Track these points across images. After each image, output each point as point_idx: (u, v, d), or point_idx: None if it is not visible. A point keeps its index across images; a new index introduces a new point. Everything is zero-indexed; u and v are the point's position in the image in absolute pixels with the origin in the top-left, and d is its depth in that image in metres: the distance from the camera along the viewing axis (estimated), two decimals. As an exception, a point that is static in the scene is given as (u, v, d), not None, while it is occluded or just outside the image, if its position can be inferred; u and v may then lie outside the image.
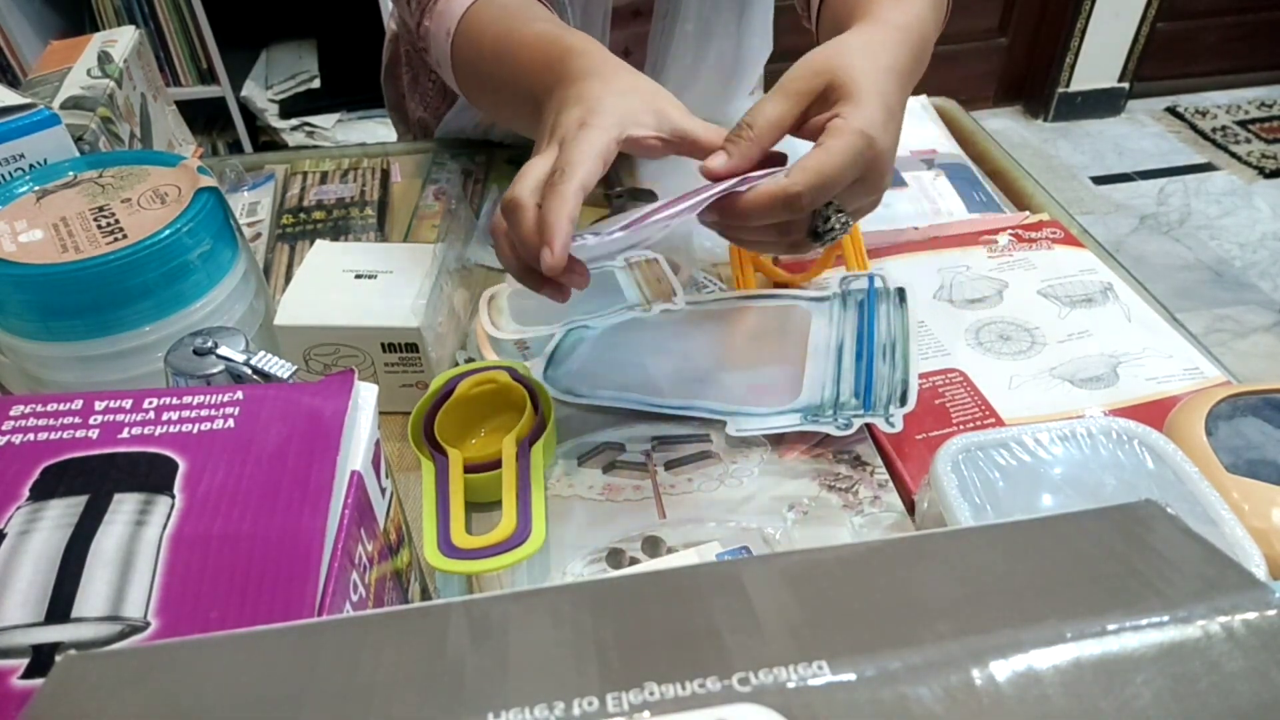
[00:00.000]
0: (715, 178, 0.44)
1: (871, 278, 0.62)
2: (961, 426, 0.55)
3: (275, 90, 2.05)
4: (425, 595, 0.45)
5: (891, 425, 0.52)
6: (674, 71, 0.78)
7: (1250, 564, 0.41)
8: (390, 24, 0.96)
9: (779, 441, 0.54)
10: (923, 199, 0.79)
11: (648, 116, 0.45)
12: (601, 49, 0.49)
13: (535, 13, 0.57)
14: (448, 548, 0.44)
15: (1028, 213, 0.76)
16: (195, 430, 0.32)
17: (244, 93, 2.03)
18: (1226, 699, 0.18)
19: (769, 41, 0.86)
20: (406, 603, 0.40)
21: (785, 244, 0.47)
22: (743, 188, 0.43)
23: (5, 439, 0.31)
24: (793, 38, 0.81)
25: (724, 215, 0.44)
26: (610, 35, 0.77)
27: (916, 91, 0.69)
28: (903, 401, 0.53)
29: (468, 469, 0.48)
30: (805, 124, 0.46)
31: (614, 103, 0.44)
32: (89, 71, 0.68)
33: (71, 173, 0.54)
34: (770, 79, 0.99)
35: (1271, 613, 0.19)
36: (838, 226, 0.45)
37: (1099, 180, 2.33)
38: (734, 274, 0.67)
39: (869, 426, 0.55)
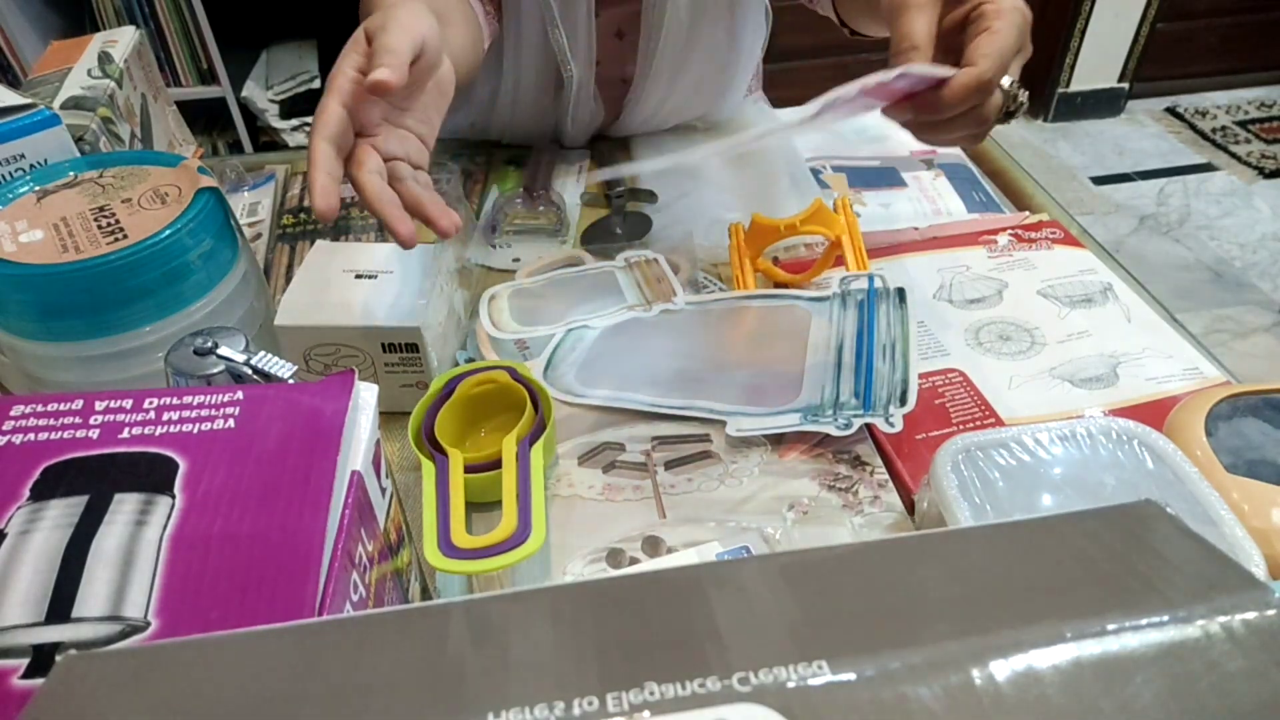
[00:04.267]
0: (895, 93, 0.47)
1: (871, 278, 0.62)
2: (961, 426, 0.55)
3: (276, 90, 2.05)
4: (425, 595, 0.45)
5: (891, 425, 0.52)
6: (667, 53, 0.78)
7: (1250, 564, 0.41)
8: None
9: (779, 441, 0.54)
10: (923, 199, 0.79)
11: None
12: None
13: None
14: (448, 548, 0.44)
15: (1028, 213, 0.76)
16: (195, 430, 0.32)
17: (244, 93, 2.03)
18: (1226, 699, 0.18)
19: (764, 26, 0.86)
20: (406, 603, 0.40)
21: (975, 128, 0.48)
22: (902, 84, 0.45)
23: (5, 439, 0.31)
24: (792, 37, 0.81)
25: (921, 110, 0.46)
26: (601, 16, 0.76)
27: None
28: (902, 401, 0.53)
29: (468, 469, 0.48)
30: (944, 20, 0.47)
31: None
32: (89, 72, 0.68)
33: (72, 173, 0.54)
34: (770, 78, 1.00)
35: (1271, 613, 0.19)
36: (1023, 99, 0.47)
37: (1099, 180, 2.33)
38: (734, 274, 0.67)
39: (869, 426, 0.55)
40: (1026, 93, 0.47)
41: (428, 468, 0.48)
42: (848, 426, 0.52)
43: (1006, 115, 0.48)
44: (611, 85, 0.83)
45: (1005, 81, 0.46)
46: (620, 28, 0.79)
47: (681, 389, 0.57)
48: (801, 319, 0.61)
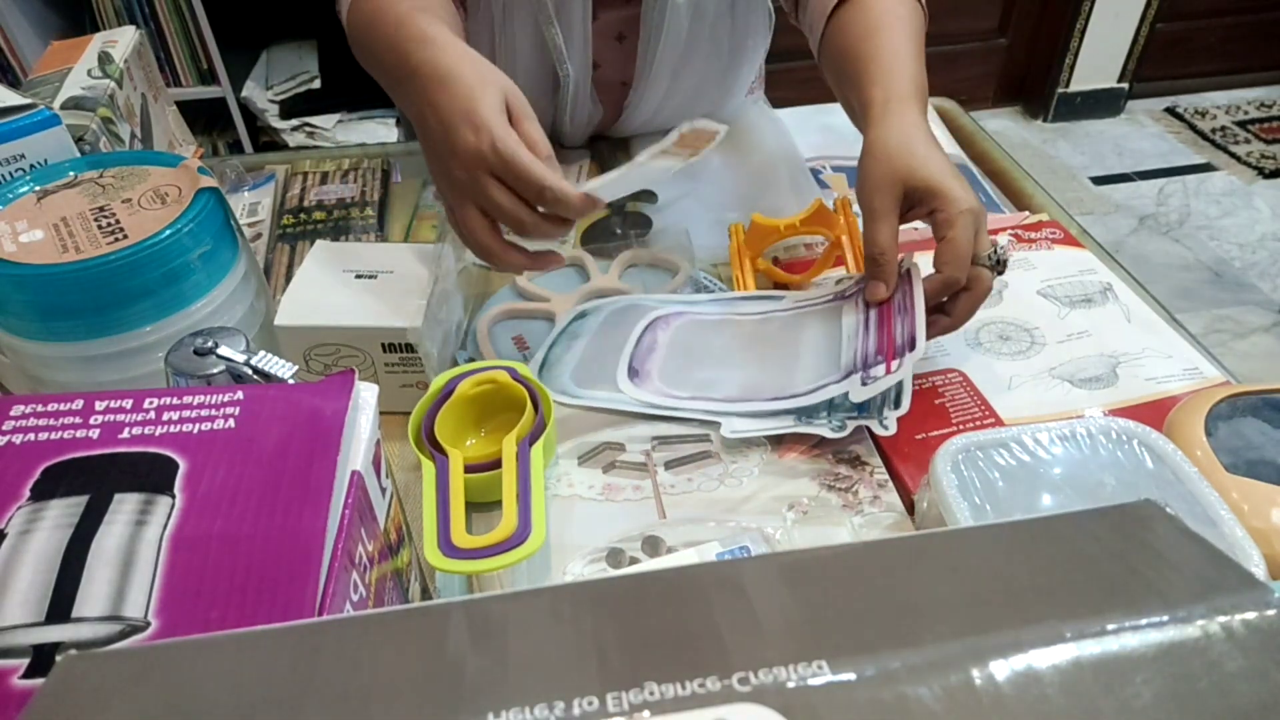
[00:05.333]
0: (884, 300, 0.56)
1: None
2: (961, 426, 0.55)
3: (276, 91, 2.05)
4: (425, 595, 0.45)
5: (885, 428, 0.52)
6: (667, 54, 0.78)
7: (1250, 564, 0.41)
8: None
9: (778, 441, 0.54)
10: (923, 199, 0.79)
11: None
12: (451, 41, 0.54)
13: (408, 6, 0.59)
14: (448, 548, 0.44)
15: (1027, 213, 0.76)
16: (196, 430, 0.32)
17: (244, 93, 2.03)
18: (1226, 699, 0.18)
19: (766, 27, 0.86)
20: (406, 603, 0.40)
21: (975, 301, 0.56)
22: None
23: (6, 439, 0.31)
24: (791, 38, 0.81)
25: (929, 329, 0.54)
26: (600, 19, 0.76)
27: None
28: (896, 404, 0.53)
29: (468, 469, 0.48)
30: (905, 220, 0.56)
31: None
32: (89, 72, 0.68)
33: (72, 173, 0.54)
34: (770, 78, 0.99)
35: (1271, 613, 0.19)
36: (1003, 256, 0.55)
37: (1098, 180, 2.33)
38: (734, 274, 0.67)
39: (868, 426, 0.55)
40: (1007, 247, 0.56)
41: (428, 468, 0.48)
42: (841, 429, 0.52)
43: (1000, 268, 0.55)
44: (612, 88, 0.83)
45: (985, 254, 0.54)
46: (621, 31, 0.79)
47: (676, 390, 0.57)
48: (797, 320, 0.61)
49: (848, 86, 0.62)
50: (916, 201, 0.54)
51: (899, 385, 0.53)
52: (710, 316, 0.63)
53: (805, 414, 0.54)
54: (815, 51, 0.69)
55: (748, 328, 0.62)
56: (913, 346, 0.51)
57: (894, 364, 0.52)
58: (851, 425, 0.52)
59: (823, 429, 0.52)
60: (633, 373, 0.58)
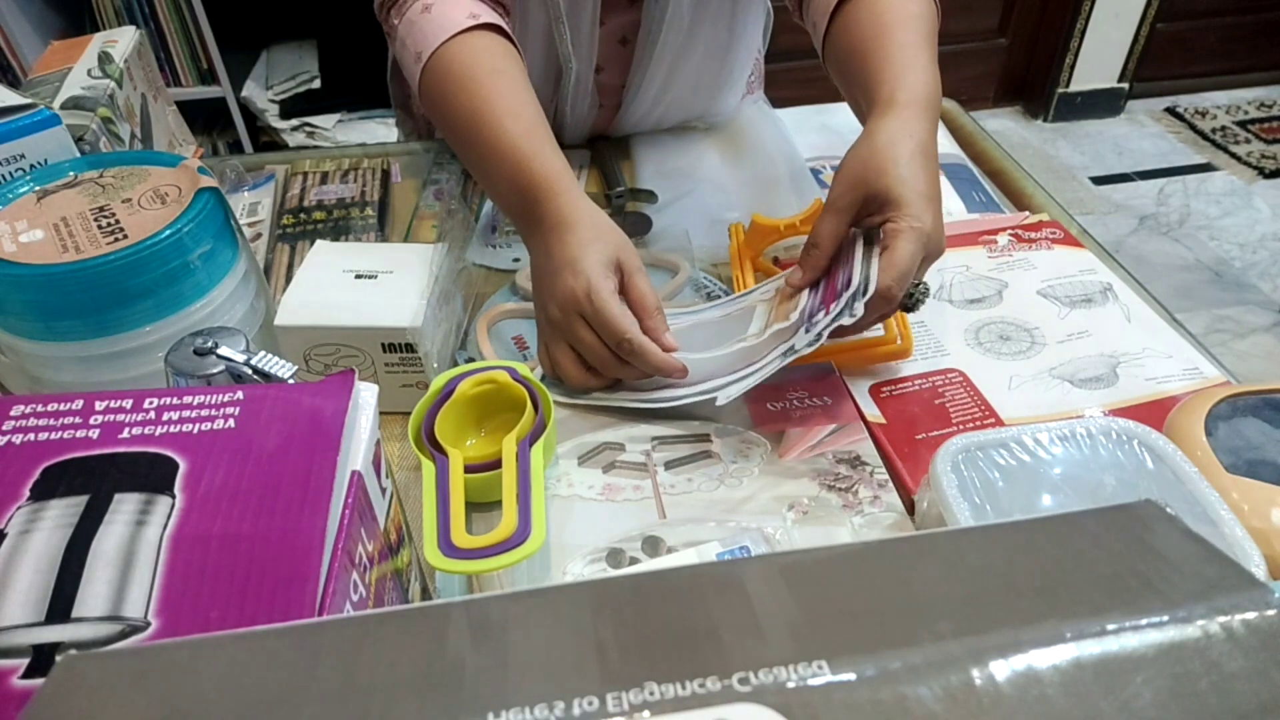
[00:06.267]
0: (799, 289, 0.56)
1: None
2: (961, 426, 0.55)
3: (275, 90, 2.05)
4: (425, 595, 0.45)
5: (853, 315, 0.50)
6: (667, 50, 0.78)
7: (1250, 564, 0.41)
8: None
9: (779, 441, 0.54)
10: (923, 199, 0.79)
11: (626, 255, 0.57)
12: (570, 188, 0.58)
13: (506, 89, 0.61)
14: (448, 548, 0.44)
15: (1027, 213, 0.76)
16: (195, 430, 0.32)
17: (244, 93, 2.03)
18: (1226, 699, 0.18)
19: (764, 27, 0.86)
20: (406, 603, 0.40)
21: (880, 319, 0.56)
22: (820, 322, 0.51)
23: (6, 439, 0.31)
24: (791, 37, 0.81)
25: (838, 333, 0.54)
26: (607, 24, 0.77)
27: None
28: (865, 292, 0.50)
29: (468, 469, 0.48)
30: (858, 224, 0.55)
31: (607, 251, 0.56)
32: (89, 72, 0.68)
33: (72, 173, 0.54)
34: (770, 78, 0.99)
35: (1271, 613, 0.19)
36: (921, 296, 0.55)
37: (1099, 180, 2.33)
38: (734, 274, 0.67)
39: (868, 426, 0.55)
40: (925, 288, 0.55)
41: (428, 468, 0.48)
42: (816, 337, 0.50)
43: (905, 308, 0.55)
44: (613, 90, 0.84)
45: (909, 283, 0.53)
46: (625, 35, 0.79)
47: (669, 382, 0.56)
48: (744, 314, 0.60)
49: (855, 88, 0.61)
50: (876, 209, 0.53)
51: (867, 279, 0.51)
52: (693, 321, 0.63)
53: (789, 352, 0.52)
54: (819, 49, 0.68)
55: (714, 324, 0.61)
56: (848, 285, 0.51)
57: (832, 305, 0.51)
58: (821, 324, 0.50)
59: (797, 338, 0.51)
60: None
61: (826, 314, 0.51)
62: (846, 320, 0.50)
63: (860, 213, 0.54)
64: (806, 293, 0.56)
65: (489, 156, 0.60)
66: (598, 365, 0.56)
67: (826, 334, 0.50)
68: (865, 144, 0.54)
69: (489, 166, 0.60)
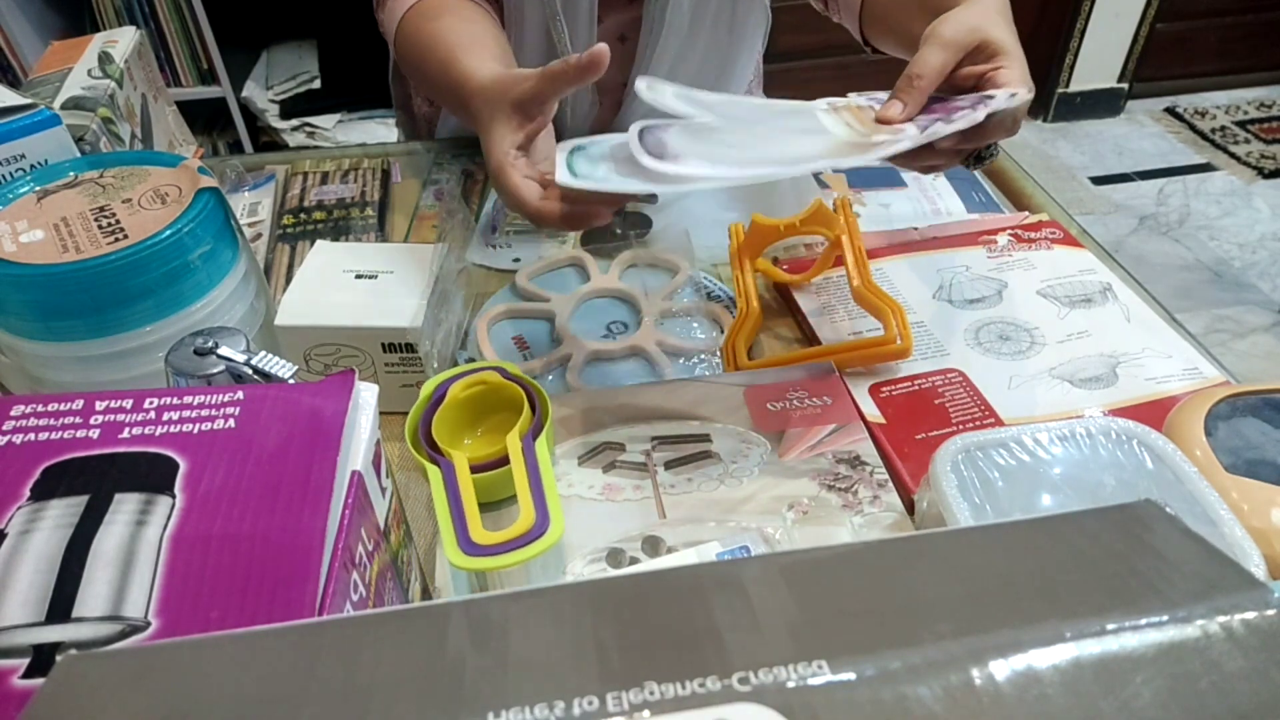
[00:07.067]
0: (894, 121, 0.51)
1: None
2: (961, 426, 0.55)
3: (276, 91, 2.05)
4: (425, 595, 0.45)
5: (1012, 100, 0.48)
6: (668, 49, 0.78)
7: (1250, 564, 0.41)
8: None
9: (779, 441, 0.54)
10: (922, 199, 0.79)
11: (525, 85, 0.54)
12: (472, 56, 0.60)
13: (450, 32, 0.65)
14: (469, 546, 0.43)
15: (1027, 213, 0.76)
16: (196, 430, 0.32)
17: (244, 93, 2.03)
18: (1226, 699, 0.18)
19: (764, 25, 0.86)
20: (406, 602, 0.40)
21: (949, 162, 0.55)
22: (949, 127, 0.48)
23: (6, 439, 0.31)
24: (792, 37, 0.81)
25: (929, 153, 0.52)
26: (605, 22, 0.77)
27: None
28: (1012, 97, 0.49)
29: (471, 469, 0.48)
30: (956, 72, 0.53)
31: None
32: (90, 72, 0.68)
33: (72, 173, 0.54)
34: (770, 78, 0.99)
35: (1271, 613, 0.19)
36: (992, 155, 0.56)
37: (1098, 180, 2.33)
38: (734, 274, 0.67)
39: (868, 426, 0.55)
40: (999, 148, 0.57)
41: (433, 472, 0.48)
42: (969, 125, 0.47)
43: (978, 160, 0.55)
44: (612, 89, 0.83)
45: (985, 145, 0.53)
46: (624, 33, 0.79)
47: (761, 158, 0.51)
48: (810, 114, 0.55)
49: (921, 17, 0.57)
50: (984, 57, 0.52)
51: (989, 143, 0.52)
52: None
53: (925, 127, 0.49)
54: (859, 33, 0.70)
55: (747, 115, 0.57)
56: (980, 101, 0.48)
57: (979, 103, 0.48)
58: (969, 118, 0.47)
59: (941, 129, 0.48)
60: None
61: (962, 113, 0.47)
62: (1002, 105, 0.48)
63: (966, 59, 0.52)
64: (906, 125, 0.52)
65: (434, 66, 0.63)
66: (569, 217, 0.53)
67: (973, 125, 0.47)
68: (970, 7, 0.53)
69: (437, 79, 0.63)
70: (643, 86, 0.52)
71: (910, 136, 0.48)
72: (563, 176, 0.49)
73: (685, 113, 0.53)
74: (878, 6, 0.68)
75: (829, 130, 0.52)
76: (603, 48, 0.49)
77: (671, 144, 0.49)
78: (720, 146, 0.51)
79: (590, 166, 0.50)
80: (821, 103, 0.56)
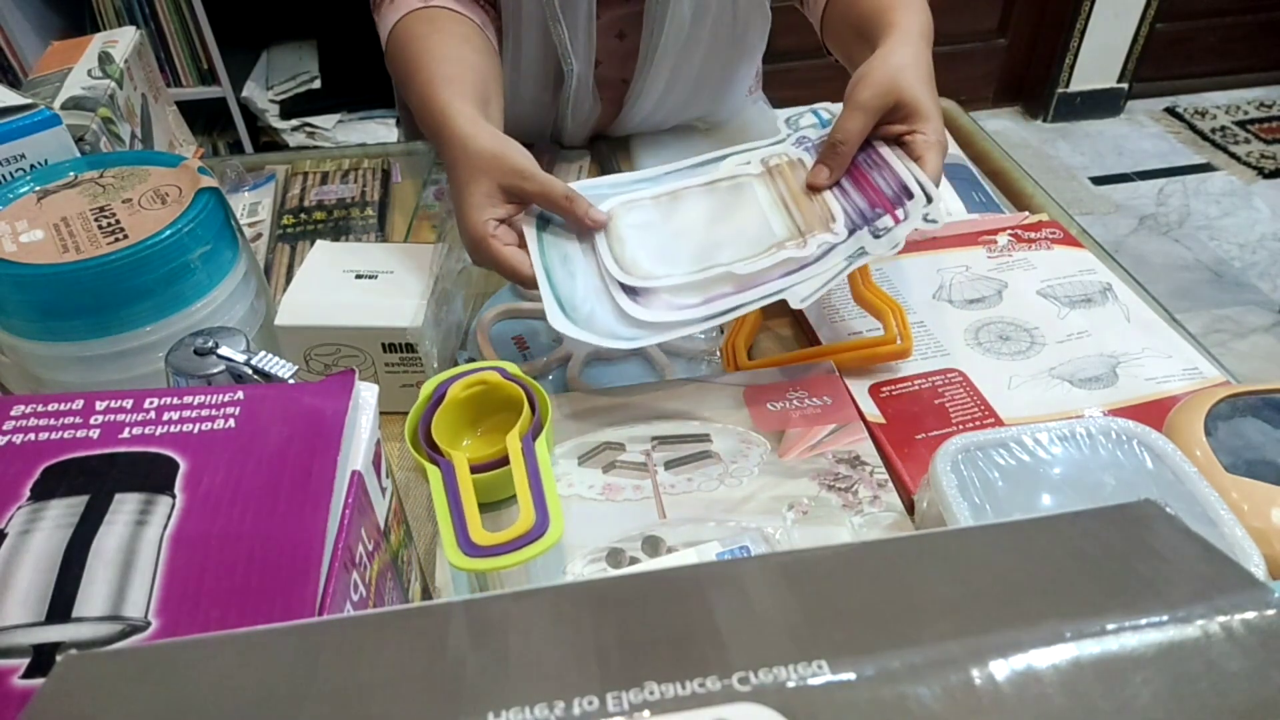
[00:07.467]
0: (823, 188, 0.57)
1: (815, 111, 0.63)
2: (961, 426, 0.55)
3: (276, 91, 2.05)
4: (425, 595, 0.45)
5: (930, 222, 0.53)
6: (669, 50, 0.78)
7: (1249, 564, 0.41)
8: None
9: (779, 441, 0.54)
10: (922, 199, 0.79)
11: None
12: (457, 116, 0.59)
13: (435, 58, 0.64)
14: (469, 547, 0.43)
15: (1027, 213, 0.76)
16: (196, 430, 0.32)
17: (244, 93, 2.03)
18: (1226, 699, 0.18)
19: (765, 25, 0.86)
20: (406, 602, 0.40)
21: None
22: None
23: (6, 439, 0.31)
24: (791, 38, 0.81)
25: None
26: (603, 18, 0.77)
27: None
28: (928, 198, 0.53)
29: (471, 470, 0.48)
30: (876, 130, 0.57)
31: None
32: (90, 72, 0.68)
33: (72, 173, 0.54)
34: (770, 78, 0.99)
35: (1271, 613, 0.19)
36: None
37: (1098, 181, 2.33)
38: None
39: (868, 426, 0.55)
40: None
41: (433, 473, 0.48)
42: (894, 246, 0.52)
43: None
44: (613, 86, 0.83)
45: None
46: (622, 29, 0.79)
47: (679, 275, 0.54)
48: (753, 189, 0.59)
49: (864, 27, 0.63)
50: (901, 118, 0.56)
51: (923, 188, 0.54)
52: (635, 197, 0.60)
53: (857, 254, 0.53)
54: (819, 26, 0.71)
55: (690, 200, 0.60)
56: (909, 194, 0.53)
57: (898, 212, 0.53)
58: (898, 233, 0.53)
59: (874, 244, 0.53)
60: (629, 291, 0.54)
61: (896, 222, 0.53)
62: (923, 227, 0.52)
63: (883, 118, 0.56)
64: (834, 194, 0.57)
65: (417, 88, 0.62)
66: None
67: (904, 241, 0.52)
68: (893, 56, 0.56)
69: (417, 101, 0.62)
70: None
71: (835, 244, 0.54)
72: (548, 307, 0.53)
73: (623, 196, 0.59)
74: (830, 22, 0.70)
75: (763, 210, 0.57)
76: (606, 219, 0.56)
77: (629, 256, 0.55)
78: (670, 240, 0.57)
79: (569, 284, 0.55)
80: (756, 158, 0.61)
